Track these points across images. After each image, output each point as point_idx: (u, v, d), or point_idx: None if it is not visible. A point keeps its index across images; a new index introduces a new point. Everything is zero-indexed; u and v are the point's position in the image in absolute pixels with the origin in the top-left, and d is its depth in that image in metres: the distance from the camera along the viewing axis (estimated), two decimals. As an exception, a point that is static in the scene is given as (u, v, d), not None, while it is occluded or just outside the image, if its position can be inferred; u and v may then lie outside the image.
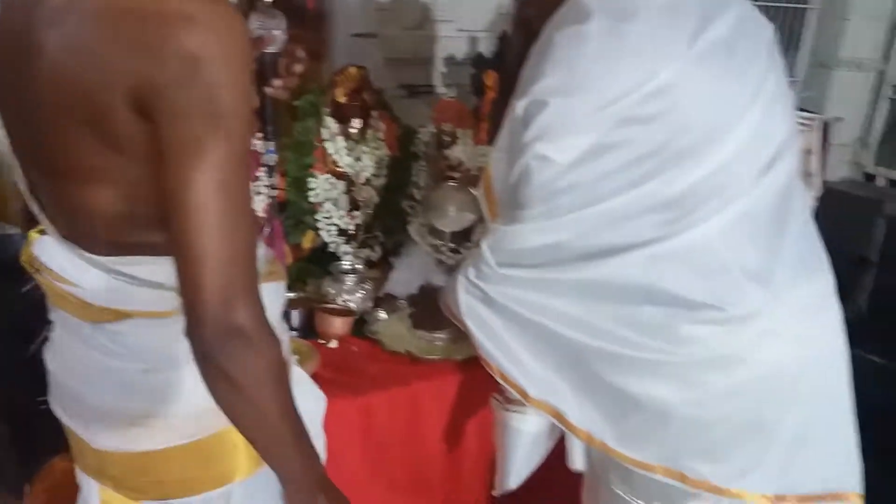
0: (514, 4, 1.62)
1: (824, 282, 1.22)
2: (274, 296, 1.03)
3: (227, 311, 0.75)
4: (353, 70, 1.91)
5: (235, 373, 0.77)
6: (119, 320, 0.91)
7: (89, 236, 0.89)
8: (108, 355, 0.93)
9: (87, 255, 0.90)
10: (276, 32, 1.00)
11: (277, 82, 1.02)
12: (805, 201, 1.27)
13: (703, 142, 1.10)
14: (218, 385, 0.79)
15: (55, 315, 0.99)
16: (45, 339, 1.03)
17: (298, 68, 1.03)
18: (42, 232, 0.96)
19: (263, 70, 1.01)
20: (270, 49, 1.00)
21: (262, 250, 1.00)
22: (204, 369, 0.78)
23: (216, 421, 0.87)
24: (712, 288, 1.13)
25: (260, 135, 1.47)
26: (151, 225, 0.84)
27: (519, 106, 1.15)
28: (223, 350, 0.76)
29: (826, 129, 2.06)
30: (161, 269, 0.85)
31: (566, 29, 1.13)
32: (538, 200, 1.17)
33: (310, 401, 1.16)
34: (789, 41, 4.28)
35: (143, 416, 0.95)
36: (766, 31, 1.21)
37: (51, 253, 0.93)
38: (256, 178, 1.66)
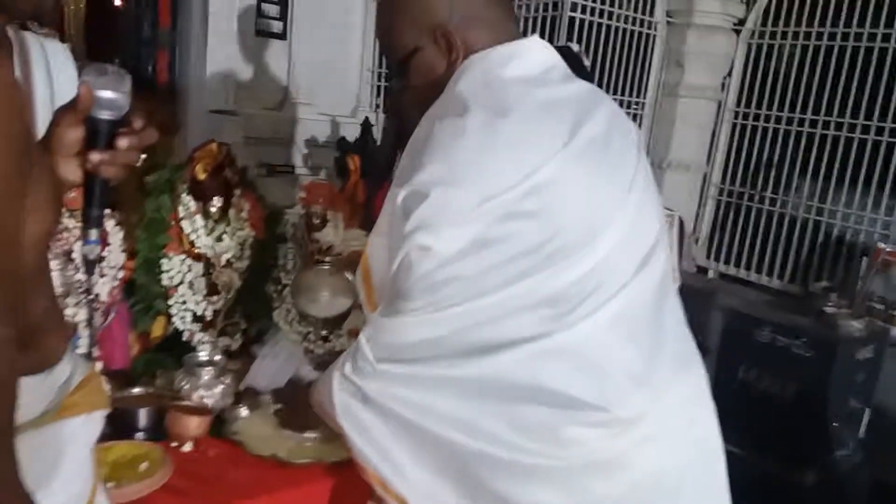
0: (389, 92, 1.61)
1: (701, 377, 1.24)
2: (81, 434, 0.85)
3: None
4: (214, 146, 1.81)
5: None
6: None
7: None
8: None
9: None
10: (105, 94, 0.78)
11: (95, 156, 0.79)
12: (676, 296, 1.31)
13: (581, 240, 1.11)
14: None
15: None
16: None
17: (124, 143, 0.81)
18: None
19: (94, 138, 0.80)
20: (104, 115, 0.79)
21: (66, 367, 0.84)
22: None
23: None
24: (596, 388, 1.10)
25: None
26: None
27: (399, 195, 1.11)
28: None
29: (682, 224, 2.19)
30: None
31: (445, 120, 1.12)
32: (420, 292, 1.12)
33: None
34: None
35: None
36: (633, 126, 1.26)
37: None
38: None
